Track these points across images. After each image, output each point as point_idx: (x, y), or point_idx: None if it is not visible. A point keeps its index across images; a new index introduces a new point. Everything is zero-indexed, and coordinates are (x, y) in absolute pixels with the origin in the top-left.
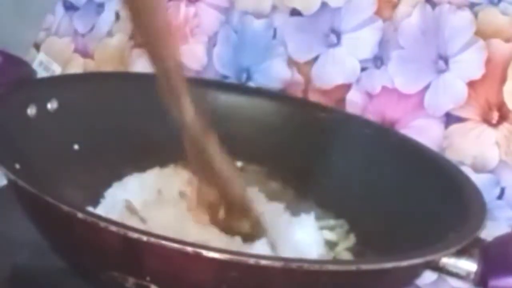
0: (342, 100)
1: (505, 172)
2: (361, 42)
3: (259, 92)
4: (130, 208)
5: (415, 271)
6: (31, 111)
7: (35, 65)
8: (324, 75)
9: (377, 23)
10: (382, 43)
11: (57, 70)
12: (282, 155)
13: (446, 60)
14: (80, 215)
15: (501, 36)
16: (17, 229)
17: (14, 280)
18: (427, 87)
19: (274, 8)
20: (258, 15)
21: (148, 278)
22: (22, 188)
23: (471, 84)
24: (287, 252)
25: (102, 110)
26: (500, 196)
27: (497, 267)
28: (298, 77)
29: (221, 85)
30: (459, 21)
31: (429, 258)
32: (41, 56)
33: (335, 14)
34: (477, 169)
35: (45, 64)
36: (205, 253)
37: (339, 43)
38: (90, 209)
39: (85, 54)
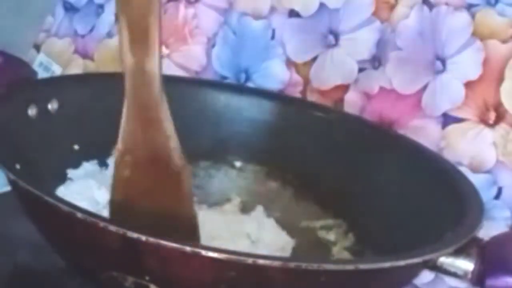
0: (341, 101)
1: (502, 172)
2: (359, 43)
3: (258, 93)
4: None
5: (413, 270)
6: (32, 111)
7: (35, 66)
8: (322, 76)
9: (375, 24)
10: (380, 44)
11: (57, 70)
12: (281, 155)
13: (443, 61)
14: (80, 215)
15: (498, 37)
16: (18, 229)
17: (14, 279)
18: (424, 88)
19: (273, 9)
20: (257, 16)
21: (147, 278)
22: (22, 188)
23: (468, 85)
24: None
25: (102, 110)
26: (497, 196)
27: (494, 266)
28: (297, 78)
29: (220, 86)
30: (457, 22)
31: (427, 257)
32: (41, 57)
33: (333, 15)
34: (475, 169)
35: (45, 65)
36: (204, 252)
37: (337, 44)
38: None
39: (85, 55)
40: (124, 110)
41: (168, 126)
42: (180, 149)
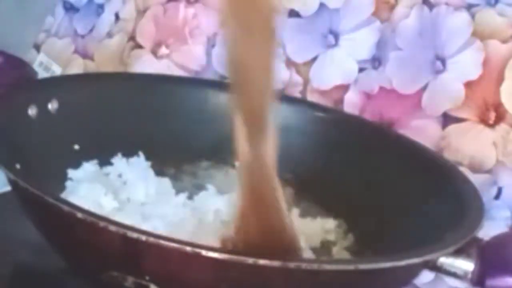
0: (341, 101)
1: (502, 172)
2: (359, 43)
3: None
4: None
5: (413, 270)
6: (32, 111)
7: (35, 66)
8: (322, 76)
9: (375, 24)
10: (380, 44)
11: (57, 70)
12: (281, 155)
13: (443, 61)
14: (80, 215)
15: (498, 37)
16: (18, 228)
17: (14, 279)
18: (424, 88)
19: None
20: None
21: (147, 278)
22: (22, 188)
23: (469, 85)
24: None
25: (102, 110)
26: (497, 196)
27: (494, 266)
28: (297, 78)
29: (220, 86)
30: (457, 22)
31: (427, 257)
32: (41, 57)
33: (333, 15)
34: (475, 169)
35: (45, 65)
36: (204, 252)
37: (337, 44)
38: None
39: (85, 54)
40: (238, 195)
41: (284, 210)
42: (295, 232)
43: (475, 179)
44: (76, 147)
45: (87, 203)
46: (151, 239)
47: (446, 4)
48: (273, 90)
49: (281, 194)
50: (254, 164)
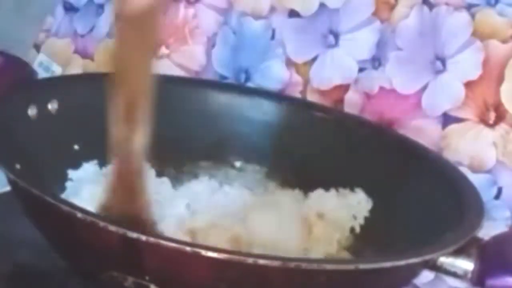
0: (341, 101)
1: (502, 172)
2: (359, 43)
3: (258, 93)
4: None
5: (413, 270)
6: (32, 111)
7: (35, 66)
8: (322, 76)
9: (375, 24)
10: (380, 44)
11: (57, 70)
12: (281, 155)
13: (443, 61)
14: (80, 215)
15: (498, 37)
16: (18, 228)
17: (14, 279)
18: (424, 88)
19: (273, 9)
20: (257, 16)
21: (147, 278)
22: (22, 188)
23: (468, 85)
24: None
25: (102, 110)
26: (497, 196)
27: (494, 266)
28: (297, 78)
29: (220, 86)
30: (456, 22)
31: (427, 257)
32: (41, 57)
33: (333, 15)
34: (475, 169)
35: (45, 65)
36: (204, 252)
37: (337, 44)
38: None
39: (85, 55)
40: (109, 176)
41: (144, 194)
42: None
43: (475, 179)
44: (76, 147)
45: (89, 206)
46: (151, 239)
47: (446, 4)
48: (150, 90)
49: (144, 177)
50: (124, 148)
